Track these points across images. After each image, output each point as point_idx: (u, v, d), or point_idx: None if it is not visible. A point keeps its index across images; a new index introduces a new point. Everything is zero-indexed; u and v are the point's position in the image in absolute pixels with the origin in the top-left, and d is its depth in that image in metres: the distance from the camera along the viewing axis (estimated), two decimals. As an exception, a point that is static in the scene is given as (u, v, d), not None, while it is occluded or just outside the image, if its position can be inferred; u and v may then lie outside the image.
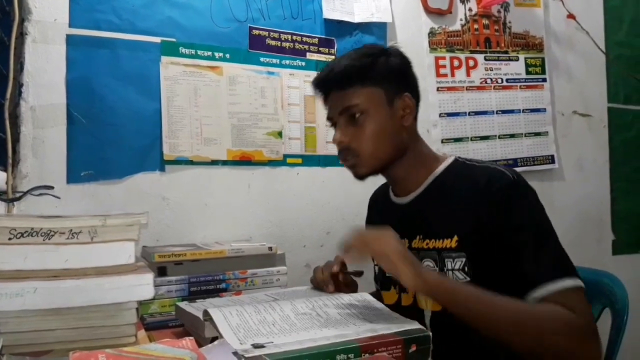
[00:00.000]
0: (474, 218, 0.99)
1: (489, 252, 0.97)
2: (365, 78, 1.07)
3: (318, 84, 1.15)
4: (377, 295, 1.14)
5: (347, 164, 1.12)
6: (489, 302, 0.90)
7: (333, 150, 1.67)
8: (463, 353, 1.02)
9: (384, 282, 1.20)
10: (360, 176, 1.13)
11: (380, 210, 1.27)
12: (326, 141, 1.66)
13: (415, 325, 0.89)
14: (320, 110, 1.66)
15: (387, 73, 1.09)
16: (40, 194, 1.33)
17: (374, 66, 1.08)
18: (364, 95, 1.07)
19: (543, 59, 2.00)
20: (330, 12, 1.66)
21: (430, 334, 0.87)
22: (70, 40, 1.37)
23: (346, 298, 1.00)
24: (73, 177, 1.36)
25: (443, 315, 1.02)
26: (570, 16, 2.02)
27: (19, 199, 1.31)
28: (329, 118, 1.15)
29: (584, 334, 0.89)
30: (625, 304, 1.21)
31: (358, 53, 1.12)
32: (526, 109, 1.96)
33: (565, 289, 0.91)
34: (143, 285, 0.89)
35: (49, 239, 0.86)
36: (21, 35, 1.33)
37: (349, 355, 0.78)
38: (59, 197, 1.34)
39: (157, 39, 1.46)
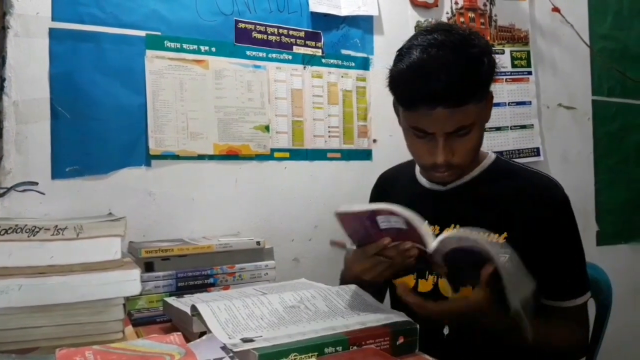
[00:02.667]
0: (522, 220, 1.04)
1: (522, 254, 0.94)
2: (479, 93, 0.99)
3: (423, 98, 0.96)
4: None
5: (441, 175, 1.06)
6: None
7: (320, 144, 1.68)
8: (484, 339, 1.05)
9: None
10: (448, 183, 1.11)
11: (404, 191, 1.23)
12: (314, 135, 1.66)
13: (402, 318, 0.90)
14: (308, 104, 1.66)
15: (490, 77, 1.02)
16: (25, 190, 1.32)
17: (488, 79, 1.00)
18: (476, 111, 0.99)
19: (528, 52, 2.01)
20: (317, 5, 1.66)
21: (418, 325, 0.88)
22: (53, 34, 1.35)
23: (334, 290, 1.00)
24: (58, 172, 1.35)
25: None
26: (555, 9, 2.04)
27: (2, 195, 1.29)
28: (422, 130, 1.01)
29: (584, 348, 1.11)
30: (609, 294, 1.23)
31: (468, 60, 0.96)
32: (512, 102, 1.98)
33: (583, 303, 1.06)
34: (130, 281, 0.89)
35: (34, 236, 0.86)
36: (3, 29, 1.31)
37: (337, 348, 0.78)
38: (43, 193, 1.33)
39: (142, 33, 1.44)
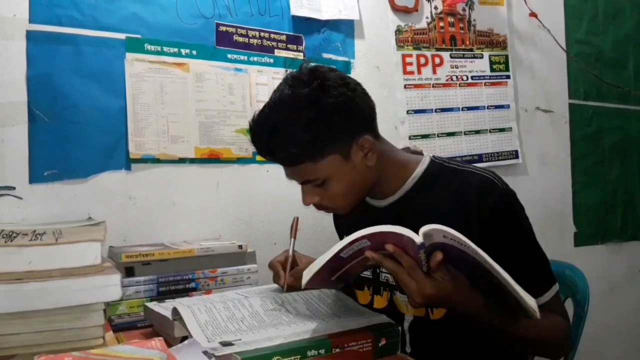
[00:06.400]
0: (463, 224, 0.95)
1: None
2: (312, 155, 0.97)
3: (262, 155, 1.04)
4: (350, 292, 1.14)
5: (323, 211, 1.09)
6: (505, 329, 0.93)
7: (302, 147, 1.68)
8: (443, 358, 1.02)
9: (357, 281, 1.15)
10: (340, 215, 1.10)
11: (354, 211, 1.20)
12: (295, 138, 1.66)
13: (384, 320, 0.90)
14: (289, 107, 1.66)
15: (333, 135, 0.97)
16: (1, 195, 1.29)
17: (317, 140, 0.96)
18: (319, 168, 0.98)
19: (507, 57, 2.04)
20: (298, 8, 1.66)
21: (399, 328, 0.88)
22: (30, 36, 1.33)
23: (316, 294, 1.01)
24: (36, 176, 1.33)
25: (425, 322, 1.02)
26: (532, 14, 2.07)
27: (-22, 200, 1.27)
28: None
29: (568, 335, 1.03)
30: (586, 294, 1.25)
31: (292, 125, 0.95)
32: (490, 106, 2.00)
33: (552, 297, 1.00)
34: (110, 286, 0.88)
35: (11, 241, 0.84)
36: (-22, 31, 1.29)
37: (320, 351, 0.79)
38: (21, 198, 1.31)
39: (122, 35, 1.43)
